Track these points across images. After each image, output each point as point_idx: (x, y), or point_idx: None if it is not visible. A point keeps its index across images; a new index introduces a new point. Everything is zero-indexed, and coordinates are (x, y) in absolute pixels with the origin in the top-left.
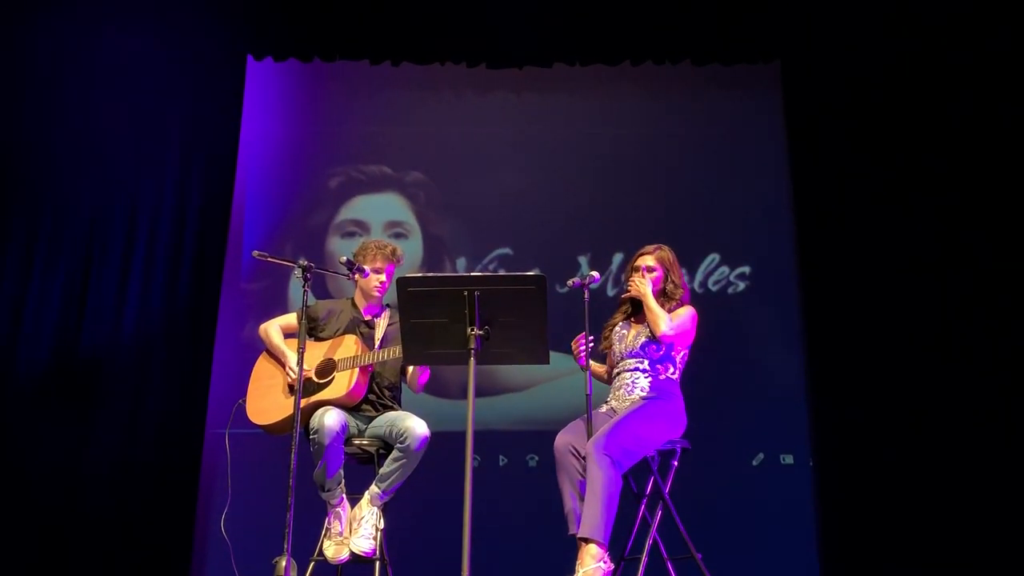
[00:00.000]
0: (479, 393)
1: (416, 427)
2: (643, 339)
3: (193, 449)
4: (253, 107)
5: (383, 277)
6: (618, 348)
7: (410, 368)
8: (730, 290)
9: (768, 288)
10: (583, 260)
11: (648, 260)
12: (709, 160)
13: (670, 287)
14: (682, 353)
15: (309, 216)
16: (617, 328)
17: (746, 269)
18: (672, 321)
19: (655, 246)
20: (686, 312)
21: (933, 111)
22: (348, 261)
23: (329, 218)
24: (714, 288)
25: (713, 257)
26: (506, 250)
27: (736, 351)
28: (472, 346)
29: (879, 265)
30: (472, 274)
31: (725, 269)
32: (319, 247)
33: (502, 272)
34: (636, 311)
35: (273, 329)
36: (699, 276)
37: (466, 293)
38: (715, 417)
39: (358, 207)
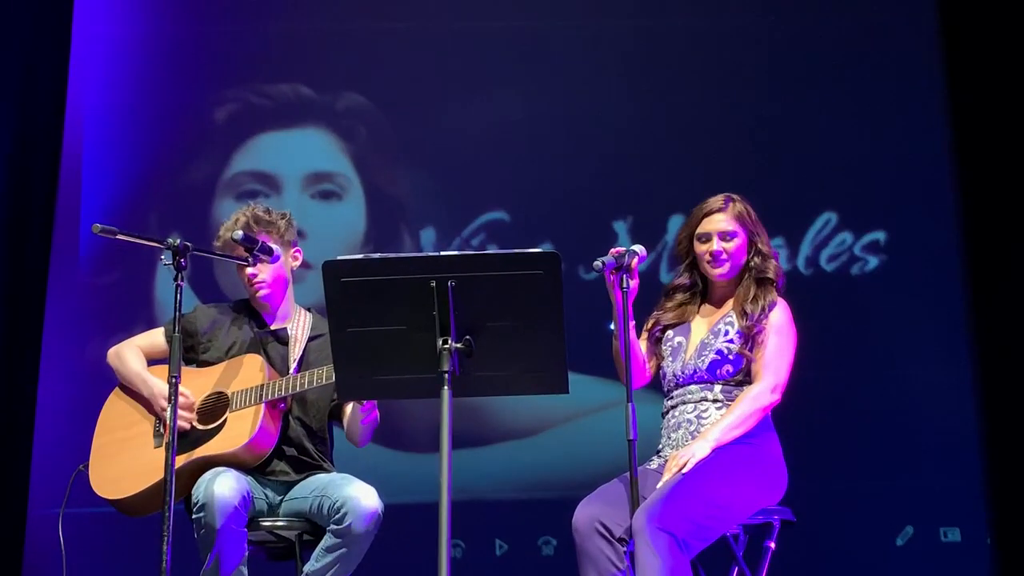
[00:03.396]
0: (462, 442)
1: (361, 497)
2: (712, 353)
3: (8, 540)
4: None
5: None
6: (672, 367)
7: (347, 407)
8: (855, 269)
9: (915, 266)
10: (621, 228)
11: (721, 221)
12: (820, 67)
13: (758, 261)
14: None
15: (185, 168)
16: (669, 334)
17: (880, 237)
18: (772, 376)
19: (724, 197)
20: (780, 324)
21: None
22: (247, 237)
23: (216, 170)
24: (829, 267)
25: (827, 218)
26: (499, 215)
27: (865, 366)
28: (446, 368)
29: None
30: (445, 253)
31: (846, 237)
32: (202, 216)
33: (493, 250)
34: (700, 295)
35: (129, 352)
36: (805, 248)
37: (434, 284)
38: (835, 472)
39: (262, 152)
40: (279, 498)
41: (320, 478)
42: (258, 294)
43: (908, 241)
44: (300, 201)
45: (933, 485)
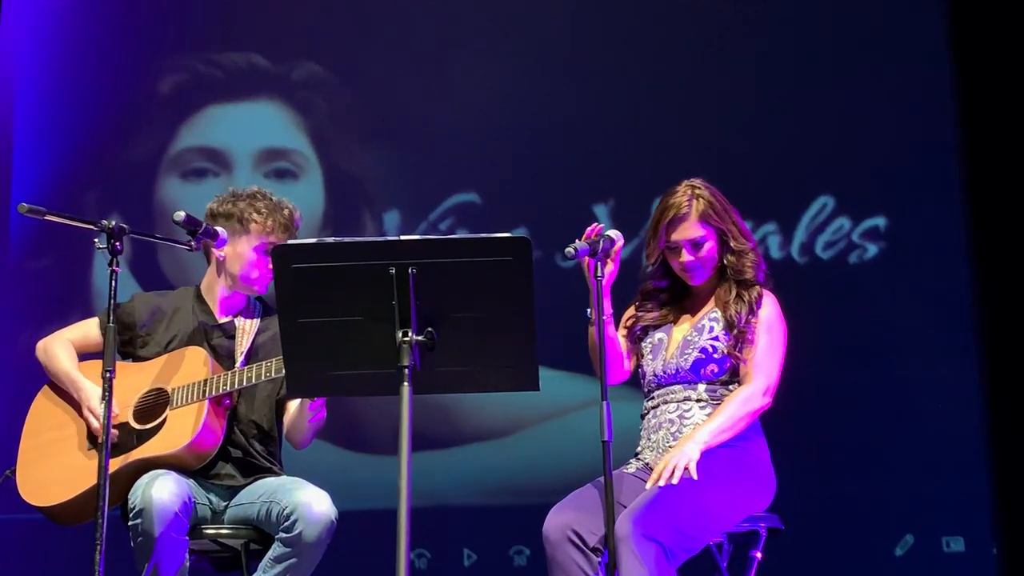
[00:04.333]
0: (428, 443)
1: (313, 502)
2: (695, 351)
3: None
4: None
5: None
6: (652, 366)
7: (291, 404)
8: (853, 257)
9: (918, 255)
10: (602, 211)
11: (687, 229)
12: (818, 44)
13: (732, 260)
14: None
15: (126, 144)
16: (651, 331)
17: (880, 222)
18: (764, 377)
19: (687, 187)
20: (770, 320)
21: None
22: (189, 219)
23: (160, 147)
24: (826, 255)
25: (824, 203)
26: (470, 196)
27: (862, 362)
28: (406, 363)
29: None
30: (406, 238)
31: (844, 223)
32: (145, 197)
33: (461, 234)
34: (680, 295)
35: (59, 346)
36: (799, 235)
37: (394, 271)
38: (828, 475)
39: (210, 127)
40: (224, 503)
41: (269, 482)
42: (253, 286)
43: (911, 227)
44: (252, 180)
45: (935, 490)
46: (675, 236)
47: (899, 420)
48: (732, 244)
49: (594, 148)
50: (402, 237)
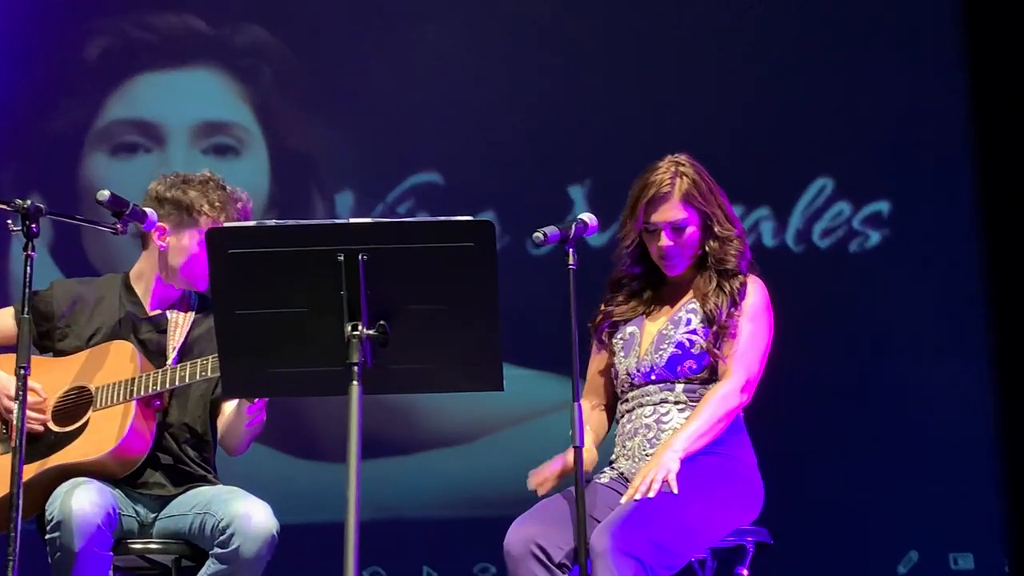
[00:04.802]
0: (385, 449)
1: (251, 515)
2: (671, 346)
3: None
4: None
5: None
6: (625, 364)
7: (226, 405)
8: (853, 245)
9: (925, 242)
10: (578, 194)
11: (669, 210)
12: (814, 15)
13: (715, 247)
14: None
15: (47, 116)
16: (621, 326)
17: (883, 207)
18: (742, 370)
19: (671, 164)
20: (755, 308)
21: None
22: (115, 198)
23: (86, 119)
24: (824, 243)
25: (822, 185)
26: (432, 176)
27: (863, 360)
28: (355, 359)
29: None
30: (356, 221)
31: (844, 207)
32: (69, 174)
33: (421, 217)
34: (655, 284)
35: None
36: (795, 220)
37: (342, 257)
38: (822, 484)
39: (142, 97)
40: (152, 515)
41: (203, 492)
42: (193, 282)
43: (916, 213)
44: (189, 157)
45: (942, 502)
46: (655, 217)
47: (902, 424)
48: (716, 229)
49: (570, 124)
50: (351, 220)
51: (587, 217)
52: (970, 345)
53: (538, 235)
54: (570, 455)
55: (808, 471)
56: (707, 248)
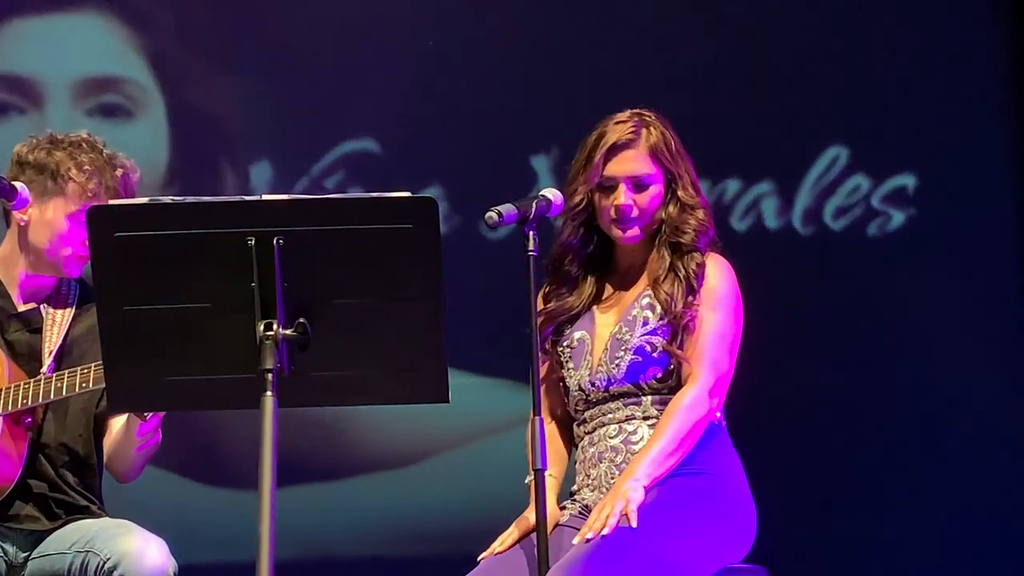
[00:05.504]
0: (305, 475)
1: (144, 553)
2: (629, 353)
3: None
4: None
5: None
6: (576, 377)
7: (115, 421)
8: (872, 228)
9: (957, 224)
10: (541, 164)
11: (630, 161)
12: None
13: (672, 213)
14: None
15: None
16: (566, 328)
17: (908, 182)
18: (709, 371)
19: (633, 114)
20: (717, 294)
21: None
22: None
23: None
24: (837, 224)
25: (835, 155)
26: (366, 144)
27: (883, 365)
28: (269, 365)
29: None
30: (270, 198)
31: (862, 182)
32: None
33: (351, 193)
34: (601, 265)
35: None
36: (802, 198)
37: (253, 241)
38: (834, 515)
39: (14, 47)
40: (24, 555)
41: (85, 526)
42: (63, 268)
43: (947, 188)
44: (71, 119)
45: (975, 535)
46: (613, 168)
47: (930, 441)
48: (680, 194)
49: (532, 83)
50: (265, 197)
51: (551, 193)
52: (1010, 346)
53: (492, 215)
54: (524, 522)
55: (813, 498)
56: (664, 215)
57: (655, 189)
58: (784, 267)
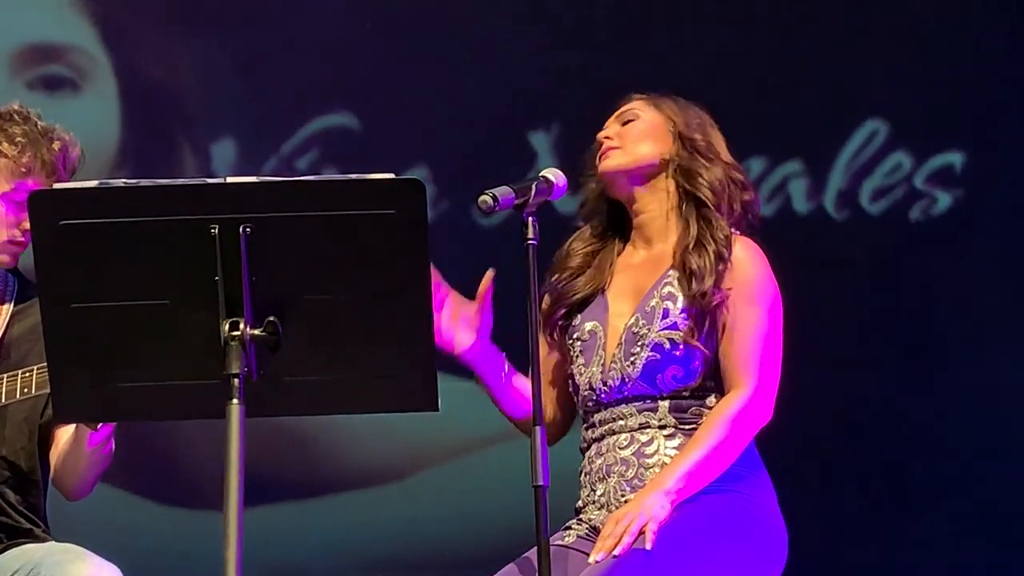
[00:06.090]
0: (279, 492)
1: None
2: (646, 348)
3: None
4: None
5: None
6: (587, 375)
7: (61, 432)
8: (915, 211)
9: (1010, 208)
10: (541, 143)
11: (626, 104)
12: None
13: (684, 156)
14: None
15: None
16: (577, 319)
17: (956, 160)
18: (755, 375)
19: (636, 102)
20: (755, 283)
21: None
22: None
23: None
24: (875, 208)
25: (873, 130)
26: (344, 119)
27: (928, 365)
28: (235, 369)
29: None
30: (235, 180)
31: (903, 160)
32: None
33: (327, 175)
34: (616, 240)
35: None
36: (836, 178)
37: (217, 230)
38: (871, 534)
39: None
40: None
41: (28, 551)
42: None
43: (998, 167)
44: (8, 92)
45: None
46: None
47: (980, 454)
48: (696, 140)
49: (530, 52)
50: (230, 179)
51: (552, 174)
52: None
53: (486, 199)
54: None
55: (849, 519)
56: (666, 155)
57: (643, 124)
58: (815, 256)
